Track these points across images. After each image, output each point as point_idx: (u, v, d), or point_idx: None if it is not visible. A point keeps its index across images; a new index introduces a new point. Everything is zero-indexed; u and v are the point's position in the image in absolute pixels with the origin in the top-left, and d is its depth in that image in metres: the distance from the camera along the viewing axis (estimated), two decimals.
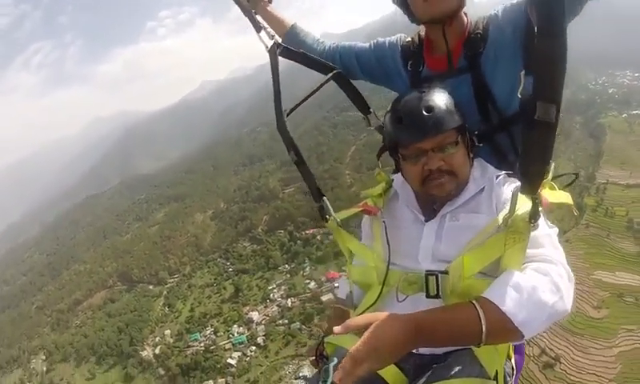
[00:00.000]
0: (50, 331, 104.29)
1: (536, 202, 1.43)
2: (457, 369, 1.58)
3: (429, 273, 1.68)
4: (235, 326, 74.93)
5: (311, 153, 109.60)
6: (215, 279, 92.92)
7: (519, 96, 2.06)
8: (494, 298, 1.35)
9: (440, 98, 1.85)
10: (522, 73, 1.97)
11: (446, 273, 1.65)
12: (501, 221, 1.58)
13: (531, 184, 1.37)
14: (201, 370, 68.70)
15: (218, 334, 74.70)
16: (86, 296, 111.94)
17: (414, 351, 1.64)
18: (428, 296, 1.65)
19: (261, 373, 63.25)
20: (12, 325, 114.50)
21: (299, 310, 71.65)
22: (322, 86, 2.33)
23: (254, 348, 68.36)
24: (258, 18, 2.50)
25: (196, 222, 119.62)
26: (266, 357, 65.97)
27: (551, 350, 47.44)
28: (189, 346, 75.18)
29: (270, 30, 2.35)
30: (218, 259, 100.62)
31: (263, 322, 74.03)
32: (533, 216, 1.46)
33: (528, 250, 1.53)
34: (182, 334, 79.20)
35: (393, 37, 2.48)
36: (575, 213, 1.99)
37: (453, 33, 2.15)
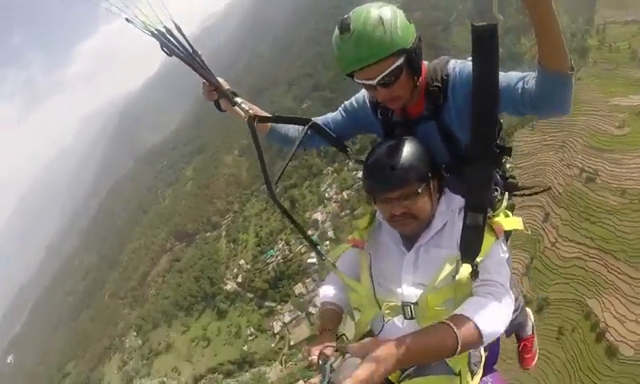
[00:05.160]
0: (130, 311, 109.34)
1: (475, 269, 1.84)
2: (431, 367, 1.93)
3: (404, 304, 2.02)
4: None
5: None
6: (267, 203, 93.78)
7: None
8: (470, 314, 1.68)
9: (404, 154, 2.06)
10: None
11: (416, 304, 2.00)
12: (452, 271, 1.93)
13: (469, 259, 1.82)
14: (287, 278, 72.91)
15: (291, 244, 77.81)
16: (151, 266, 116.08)
17: None
18: (405, 318, 2.03)
19: None
20: (93, 322, 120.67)
21: (357, 198, 73.84)
22: (301, 140, 2.45)
23: (327, 242, 70.33)
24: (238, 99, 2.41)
25: (227, 164, 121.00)
26: None
27: (589, 167, 53.06)
28: (267, 264, 78.75)
29: (244, 104, 2.35)
30: (262, 186, 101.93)
31: (328, 219, 77.03)
32: (474, 275, 1.85)
33: (482, 275, 1.91)
34: (257, 256, 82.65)
35: (359, 95, 2.60)
36: (527, 231, 2.39)
37: (413, 95, 2.27)
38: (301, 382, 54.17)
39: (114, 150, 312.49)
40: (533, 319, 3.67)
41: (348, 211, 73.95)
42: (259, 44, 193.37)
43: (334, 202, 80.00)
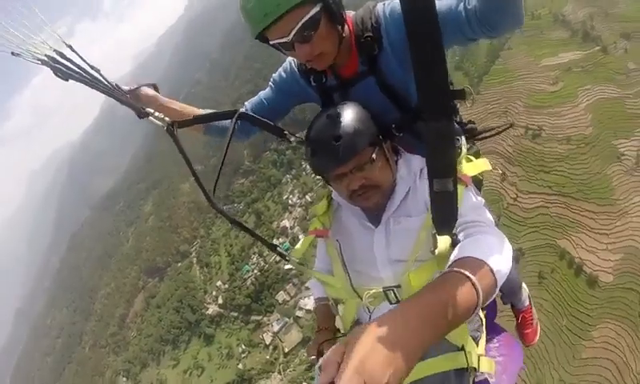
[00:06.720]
0: (115, 357, 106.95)
1: (455, 238, 1.57)
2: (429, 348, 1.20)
3: (386, 289, 1.84)
4: (274, 240, 76.66)
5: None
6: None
7: None
8: (475, 254, 1.27)
9: (347, 121, 1.85)
10: None
11: (399, 286, 1.82)
12: (428, 243, 1.69)
13: (447, 229, 1.54)
14: (267, 288, 73.59)
15: (265, 255, 78.23)
16: (127, 308, 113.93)
17: None
18: (391, 303, 1.87)
19: None
20: (78, 376, 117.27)
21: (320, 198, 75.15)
22: (232, 134, 2.24)
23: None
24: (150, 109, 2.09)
25: (185, 192, 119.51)
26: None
27: (532, 124, 57.46)
28: (245, 280, 79.15)
29: (157, 113, 2.06)
30: (225, 207, 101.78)
31: (296, 224, 78.29)
32: (454, 244, 1.57)
33: (460, 220, 1.60)
34: (233, 274, 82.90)
35: (285, 63, 2.34)
36: (499, 170, 2.58)
37: (341, 52, 2.02)
38: None
39: (67, 202, 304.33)
40: (527, 290, 3.37)
41: None
42: (196, 72, 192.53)
43: (299, 206, 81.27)
